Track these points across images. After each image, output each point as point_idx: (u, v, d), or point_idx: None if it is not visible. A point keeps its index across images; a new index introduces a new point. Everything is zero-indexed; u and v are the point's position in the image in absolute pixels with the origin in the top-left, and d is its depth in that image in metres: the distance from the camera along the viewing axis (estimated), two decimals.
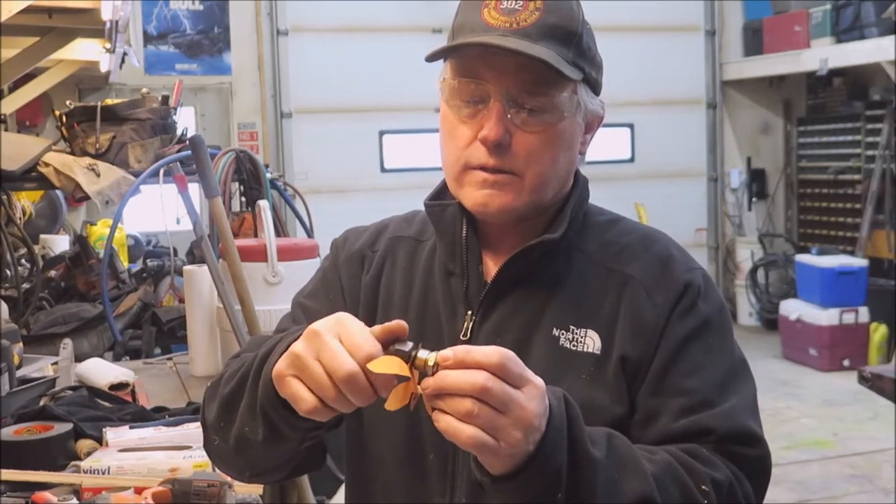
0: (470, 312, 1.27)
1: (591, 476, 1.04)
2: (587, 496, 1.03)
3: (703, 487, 1.11)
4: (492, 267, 1.29)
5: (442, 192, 1.34)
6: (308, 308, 1.36)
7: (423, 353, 1.00)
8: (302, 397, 1.01)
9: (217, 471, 1.76)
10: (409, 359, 1.00)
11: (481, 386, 0.95)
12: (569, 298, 1.25)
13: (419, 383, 0.99)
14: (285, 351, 1.07)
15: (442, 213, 1.31)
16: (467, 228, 1.29)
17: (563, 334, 1.23)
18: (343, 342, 0.99)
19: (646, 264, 1.26)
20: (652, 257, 1.27)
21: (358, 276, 1.36)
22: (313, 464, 1.29)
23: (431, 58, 1.22)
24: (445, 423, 0.97)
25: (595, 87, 1.28)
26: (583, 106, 1.24)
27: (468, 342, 1.24)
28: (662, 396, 1.19)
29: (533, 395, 0.99)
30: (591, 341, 1.22)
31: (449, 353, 0.98)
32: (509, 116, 1.19)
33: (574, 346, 1.22)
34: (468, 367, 0.97)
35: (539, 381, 1.00)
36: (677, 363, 1.20)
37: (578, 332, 1.23)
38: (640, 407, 1.20)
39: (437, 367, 0.99)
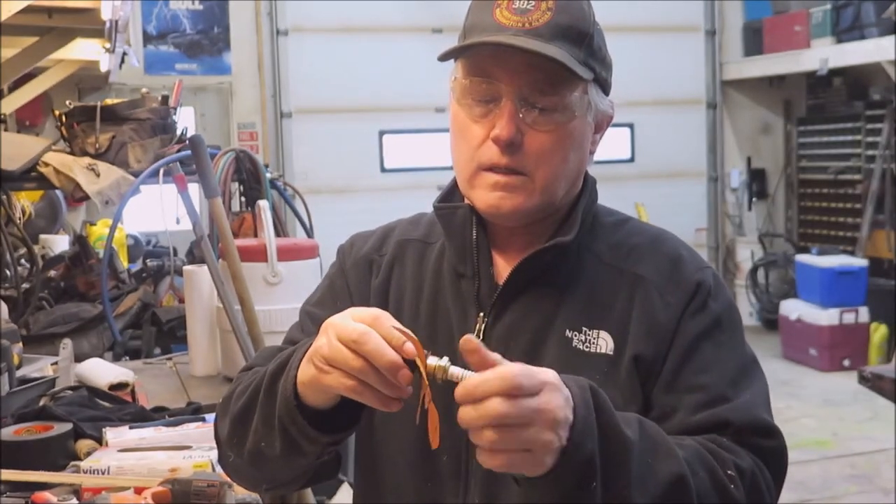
0: (482, 314, 1.27)
1: (626, 458, 1.04)
2: (623, 479, 1.04)
3: (730, 472, 1.13)
4: (503, 268, 1.29)
5: (451, 194, 1.34)
6: (316, 316, 1.36)
7: (431, 360, 1.02)
8: (343, 383, 1.04)
9: (218, 471, 1.76)
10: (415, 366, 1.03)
11: (497, 415, 0.96)
12: (581, 300, 1.25)
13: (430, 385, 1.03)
14: (299, 364, 1.09)
15: (452, 216, 1.30)
16: (478, 230, 1.28)
17: (575, 336, 1.23)
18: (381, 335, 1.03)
19: (656, 265, 1.27)
20: (662, 258, 1.28)
21: (366, 281, 1.36)
22: (329, 473, 1.29)
23: (444, 57, 1.23)
24: (479, 457, 1.00)
25: (605, 87, 1.28)
26: (593, 106, 1.25)
27: None
28: (677, 393, 1.20)
29: (551, 393, 0.99)
30: (604, 342, 1.23)
31: (459, 372, 1.01)
32: (521, 116, 1.20)
33: (587, 347, 1.23)
34: (478, 398, 0.97)
35: (551, 375, 1.01)
36: (690, 361, 1.21)
37: (591, 333, 1.23)
38: (656, 405, 1.21)
39: (445, 372, 1.01)
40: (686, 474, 1.08)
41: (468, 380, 0.99)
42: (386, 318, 1.04)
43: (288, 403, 1.11)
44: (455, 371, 1.01)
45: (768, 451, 1.19)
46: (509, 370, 0.98)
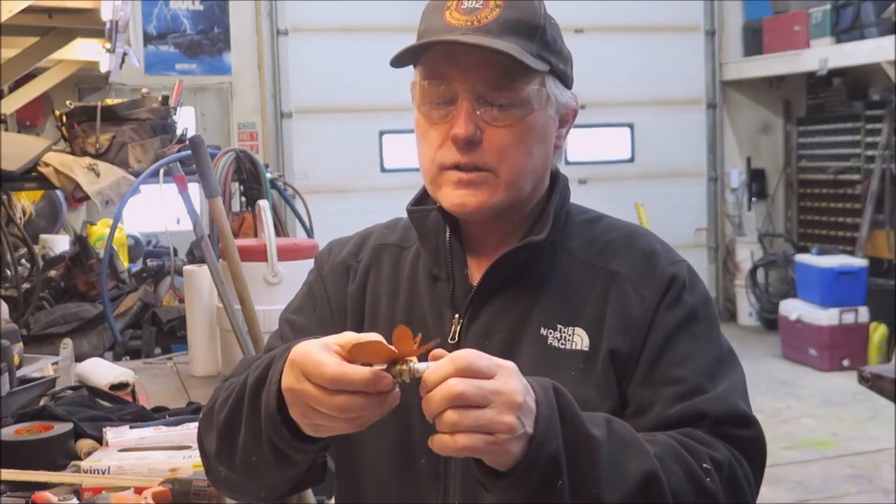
0: (457, 316, 1.27)
1: (594, 457, 1.04)
2: (591, 478, 1.04)
3: (705, 465, 1.12)
4: (476, 270, 1.29)
5: (424, 198, 1.34)
6: (296, 324, 1.36)
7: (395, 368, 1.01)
8: (338, 428, 1.04)
9: None
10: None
11: (456, 394, 0.97)
12: (555, 297, 1.25)
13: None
14: (280, 377, 1.08)
15: (425, 219, 1.31)
16: (450, 232, 1.29)
17: (550, 333, 1.24)
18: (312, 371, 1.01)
19: (630, 260, 1.27)
20: (636, 253, 1.28)
21: (344, 287, 1.36)
22: (318, 478, 1.29)
23: (396, 61, 1.24)
24: (440, 442, 1.00)
25: (565, 80, 1.28)
26: (553, 99, 1.25)
27: (456, 346, 1.25)
28: (654, 387, 1.21)
29: (508, 377, 1.00)
30: (580, 339, 1.23)
31: (423, 366, 1.00)
32: (479, 113, 1.20)
33: (562, 344, 1.23)
34: (434, 386, 0.98)
35: (509, 363, 1.02)
36: (666, 354, 1.22)
37: (566, 330, 1.24)
38: (633, 399, 1.21)
39: (410, 372, 1.00)
40: (657, 470, 1.08)
41: (428, 371, 1.00)
42: (346, 374, 0.99)
43: (272, 419, 1.10)
44: (419, 366, 1.01)
45: (746, 440, 1.19)
46: (460, 353, 0.99)
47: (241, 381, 1.18)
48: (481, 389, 0.98)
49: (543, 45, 1.23)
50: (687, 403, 1.18)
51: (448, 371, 0.98)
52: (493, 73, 1.19)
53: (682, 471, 1.10)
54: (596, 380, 1.21)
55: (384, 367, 1.00)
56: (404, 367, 1.00)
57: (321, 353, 1.01)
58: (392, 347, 1.00)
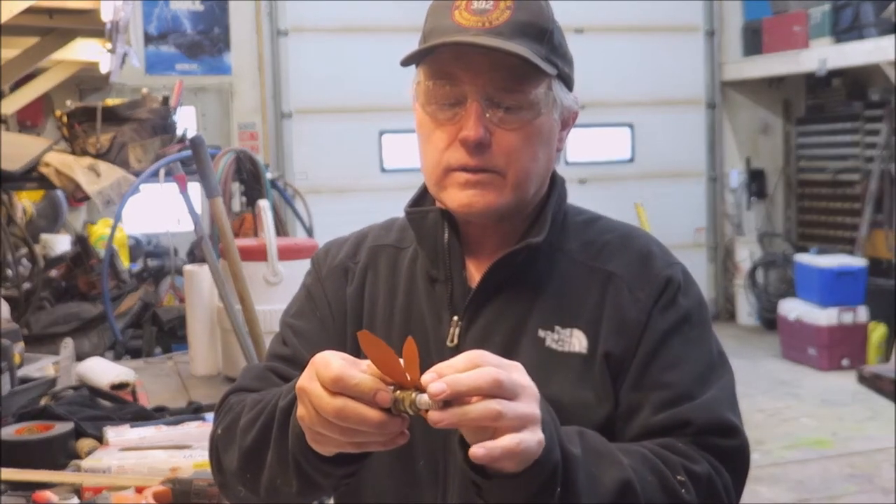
0: (456, 318, 1.26)
1: (573, 472, 1.03)
2: (571, 492, 1.03)
3: (679, 478, 1.12)
4: (475, 272, 1.28)
5: (421, 198, 1.33)
6: (297, 328, 1.35)
7: (399, 393, 0.96)
8: (336, 442, 1.01)
9: None
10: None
11: (497, 381, 0.93)
12: (553, 299, 1.25)
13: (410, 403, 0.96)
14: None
15: (423, 220, 1.29)
16: (449, 234, 1.28)
17: (548, 335, 1.23)
18: (321, 381, 0.98)
19: (627, 261, 1.27)
20: (632, 254, 1.28)
21: (342, 289, 1.35)
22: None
23: (406, 61, 1.22)
24: (495, 448, 0.94)
25: (568, 83, 1.28)
26: (559, 102, 1.25)
27: (455, 348, 1.24)
28: (643, 391, 1.20)
29: (522, 372, 0.99)
30: (577, 341, 1.22)
31: (427, 399, 0.94)
32: (487, 115, 1.19)
33: (560, 346, 1.22)
34: (446, 372, 0.95)
35: (515, 362, 1.00)
36: (658, 357, 1.21)
37: (564, 332, 1.23)
38: (623, 401, 1.21)
39: (413, 402, 0.95)
40: (632, 479, 1.07)
41: (436, 367, 0.95)
42: (348, 376, 0.97)
43: (299, 441, 1.08)
44: (423, 398, 0.95)
45: (728, 451, 1.18)
46: (474, 352, 0.97)
47: (272, 403, 1.17)
48: (512, 380, 0.95)
49: (551, 48, 1.22)
50: (672, 411, 1.18)
51: (465, 364, 0.95)
52: (502, 75, 1.18)
53: (657, 480, 1.10)
54: (594, 383, 1.20)
55: (391, 388, 0.96)
56: (407, 394, 0.95)
57: (335, 356, 1.00)
58: (403, 366, 0.96)
